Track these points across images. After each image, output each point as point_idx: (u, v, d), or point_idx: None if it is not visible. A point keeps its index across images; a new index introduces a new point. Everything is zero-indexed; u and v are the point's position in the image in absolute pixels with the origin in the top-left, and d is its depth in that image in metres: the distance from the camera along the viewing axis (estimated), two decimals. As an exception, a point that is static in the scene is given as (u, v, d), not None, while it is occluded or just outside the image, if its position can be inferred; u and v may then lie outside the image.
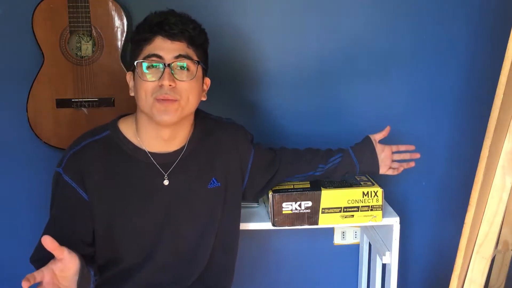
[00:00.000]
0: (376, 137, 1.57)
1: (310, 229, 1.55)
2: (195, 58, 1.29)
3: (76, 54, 1.70)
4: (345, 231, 2.00)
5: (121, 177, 1.31)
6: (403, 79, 1.89)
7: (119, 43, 1.69)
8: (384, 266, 1.72)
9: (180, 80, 1.26)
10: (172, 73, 1.25)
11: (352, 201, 1.51)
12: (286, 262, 2.01)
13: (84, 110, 1.70)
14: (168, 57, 1.26)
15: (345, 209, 1.51)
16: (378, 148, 1.55)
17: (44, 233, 1.33)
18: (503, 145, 1.25)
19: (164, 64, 1.25)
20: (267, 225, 1.56)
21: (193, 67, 1.29)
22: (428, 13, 1.85)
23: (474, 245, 1.28)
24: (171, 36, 1.26)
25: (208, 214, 1.39)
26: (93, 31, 1.67)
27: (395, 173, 1.59)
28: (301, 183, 1.56)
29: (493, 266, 1.73)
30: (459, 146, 1.94)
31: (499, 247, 1.68)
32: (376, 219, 1.53)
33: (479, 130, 1.33)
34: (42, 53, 1.67)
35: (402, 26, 1.85)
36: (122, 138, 1.33)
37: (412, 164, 1.60)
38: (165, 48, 1.26)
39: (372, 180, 1.57)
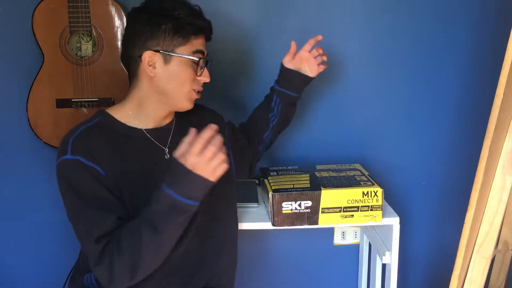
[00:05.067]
0: (286, 59, 1.59)
1: (310, 229, 1.55)
2: None
3: (76, 54, 1.70)
4: (345, 231, 2.00)
5: (125, 155, 1.31)
6: (402, 79, 1.89)
7: (119, 43, 1.69)
8: (384, 266, 1.72)
9: None
10: None
11: (352, 201, 1.51)
12: (286, 262, 2.01)
13: (84, 110, 1.70)
14: (205, 54, 1.38)
15: (345, 209, 1.51)
16: (296, 62, 1.59)
17: (76, 225, 1.26)
18: (503, 145, 1.25)
19: (206, 61, 1.38)
20: (267, 225, 1.56)
21: None
22: (428, 14, 1.85)
23: (474, 245, 1.28)
24: (208, 39, 1.40)
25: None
26: (93, 31, 1.67)
27: (323, 67, 1.60)
28: (301, 182, 1.56)
29: (493, 266, 1.73)
30: (459, 146, 1.94)
31: (499, 247, 1.68)
32: (376, 219, 1.53)
33: (479, 130, 1.33)
34: (42, 53, 1.67)
35: (402, 27, 1.85)
36: (115, 121, 1.34)
37: (325, 57, 1.60)
38: (204, 47, 1.38)
39: (372, 180, 1.57)
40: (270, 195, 1.51)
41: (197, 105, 1.49)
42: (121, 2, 1.69)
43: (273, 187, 1.54)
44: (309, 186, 1.53)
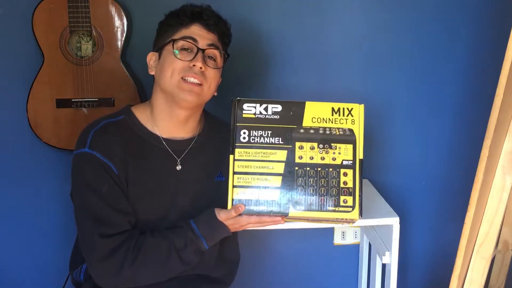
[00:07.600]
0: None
1: (310, 229, 1.55)
2: (223, 51, 1.38)
3: (76, 54, 1.70)
4: (345, 231, 2.00)
5: (137, 158, 1.33)
6: (402, 79, 1.89)
7: (119, 43, 1.69)
8: (384, 266, 1.72)
9: (209, 66, 1.33)
10: (203, 58, 1.32)
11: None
12: (286, 262, 2.01)
13: (84, 110, 1.70)
14: (202, 43, 1.33)
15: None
16: None
17: (83, 219, 1.29)
18: (503, 145, 1.25)
19: (198, 48, 1.32)
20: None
21: (220, 59, 1.37)
22: (428, 13, 1.85)
23: (474, 245, 1.28)
24: (208, 26, 1.35)
25: (212, 205, 1.40)
26: (93, 31, 1.67)
27: None
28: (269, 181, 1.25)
29: (493, 266, 1.73)
30: (459, 146, 1.94)
31: (499, 247, 1.68)
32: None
33: (479, 130, 1.33)
34: (42, 53, 1.67)
35: (402, 26, 1.85)
36: (137, 123, 1.37)
37: None
38: (201, 35, 1.34)
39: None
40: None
41: (223, 123, 1.47)
42: (121, 2, 1.69)
43: (235, 191, 1.25)
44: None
